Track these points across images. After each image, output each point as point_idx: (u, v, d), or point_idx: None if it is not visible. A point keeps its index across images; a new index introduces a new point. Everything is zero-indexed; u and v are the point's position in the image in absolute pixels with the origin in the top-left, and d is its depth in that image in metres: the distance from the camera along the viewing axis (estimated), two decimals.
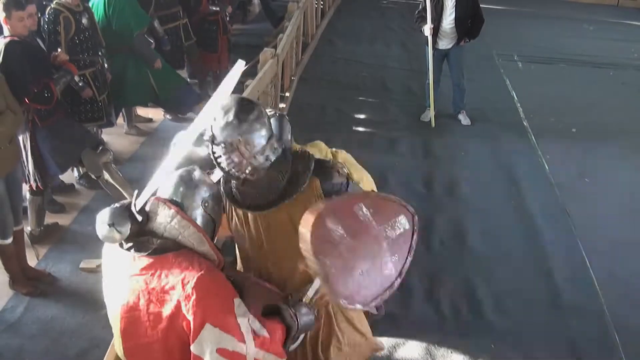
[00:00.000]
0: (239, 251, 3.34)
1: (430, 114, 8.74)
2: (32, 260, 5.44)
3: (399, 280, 2.92)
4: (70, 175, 6.61)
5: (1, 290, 5.13)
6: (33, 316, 4.95)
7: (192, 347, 2.58)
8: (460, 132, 8.63)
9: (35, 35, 5.73)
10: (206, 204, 2.84)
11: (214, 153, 2.88)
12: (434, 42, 8.36)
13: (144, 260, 2.69)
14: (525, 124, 8.87)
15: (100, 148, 5.54)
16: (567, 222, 6.52)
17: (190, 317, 2.56)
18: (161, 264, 2.66)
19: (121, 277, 2.73)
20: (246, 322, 2.60)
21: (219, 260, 2.77)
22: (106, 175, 5.35)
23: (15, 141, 5.16)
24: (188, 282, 2.57)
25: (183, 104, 7.65)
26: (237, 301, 2.65)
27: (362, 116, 9.12)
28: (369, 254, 2.82)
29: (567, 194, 7.05)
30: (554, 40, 12.74)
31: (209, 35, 8.83)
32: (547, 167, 7.62)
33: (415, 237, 2.97)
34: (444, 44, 8.40)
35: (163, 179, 2.94)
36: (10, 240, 5.00)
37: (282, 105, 8.37)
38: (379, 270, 2.85)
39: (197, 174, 2.91)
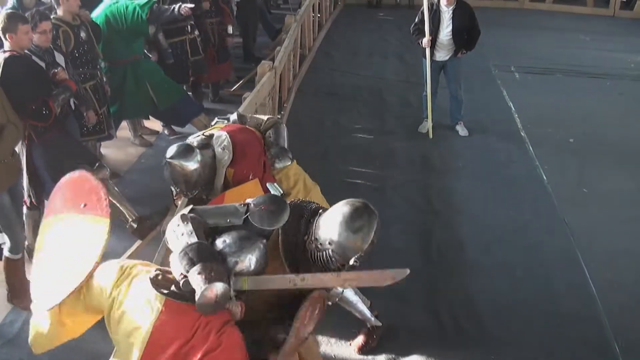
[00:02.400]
0: None
1: (428, 125, 8.76)
2: (30, 274, 5.42)
3: None
4: None
5: None
6: None
7: None
8: (458, 143, 8.64)
9: (50, 51, 5.74)
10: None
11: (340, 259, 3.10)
12: (431, 54, 8.40)
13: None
14: (522, 134, 8.88)
15: (97, 165, 5.53)
16: (565, 232, 6.52)
17: None
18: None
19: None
20: None
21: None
22: None
23: (17, 153, 5.15)
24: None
25: (182, 115, 7.62)
26: None
27: (359, 126, 9.13)
28: None
29: (566, 204, 7.05)
30: (550, 51, 12.78)
31: None
32: (545, 178, 7.62)
33: None
34: (441, 55, 8.43)
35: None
36: (20, 255, 4.99)
37: (279, 117, 8.40)
38: None
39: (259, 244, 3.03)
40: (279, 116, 4.86)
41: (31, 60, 5.39)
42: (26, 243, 5.60)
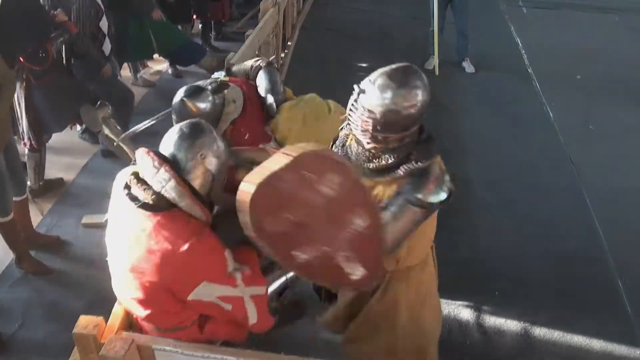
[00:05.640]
0: None
1: (434, 62, 8.67)
2: (36, 216, 5.43)
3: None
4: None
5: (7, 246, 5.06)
6: None
7: (189, 298, 2.67)
8: (464, 80, 8.57)
9: None
10: (202, 156, 2.71)
11: (355, 109, 2.86)
12: None
13: (145, 218, 2.63)
14: (529, 70, 8.80)
15: (99, 103, 5.48)
16: (571, 170, 6.51)
17: (184, 277, 2.65)
18: (159, 223, 2.62)
19: (127, 233, 2.71)
20: (236, 267, 2.71)
21: (206, 217, 2.71)
22: (105, 130, 5.30)
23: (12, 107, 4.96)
24: (180, 248, 2.58)
25: (184, 60, 7.68)
26: (227, 253, 2.71)
27: (364, 65, 9.03)
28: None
29: (572, 141, 7.02)
30: None
31: None
32: (551, 115, 7.57)
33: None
34: None
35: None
36: (11, 216, 4.72)
37: (283, 54, 8.30)
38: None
39: (202, 126, 2.79)
40: (272, 58, 4.53)
41: (31, 1, 5.29)
42: (29, 184, 5.60)
